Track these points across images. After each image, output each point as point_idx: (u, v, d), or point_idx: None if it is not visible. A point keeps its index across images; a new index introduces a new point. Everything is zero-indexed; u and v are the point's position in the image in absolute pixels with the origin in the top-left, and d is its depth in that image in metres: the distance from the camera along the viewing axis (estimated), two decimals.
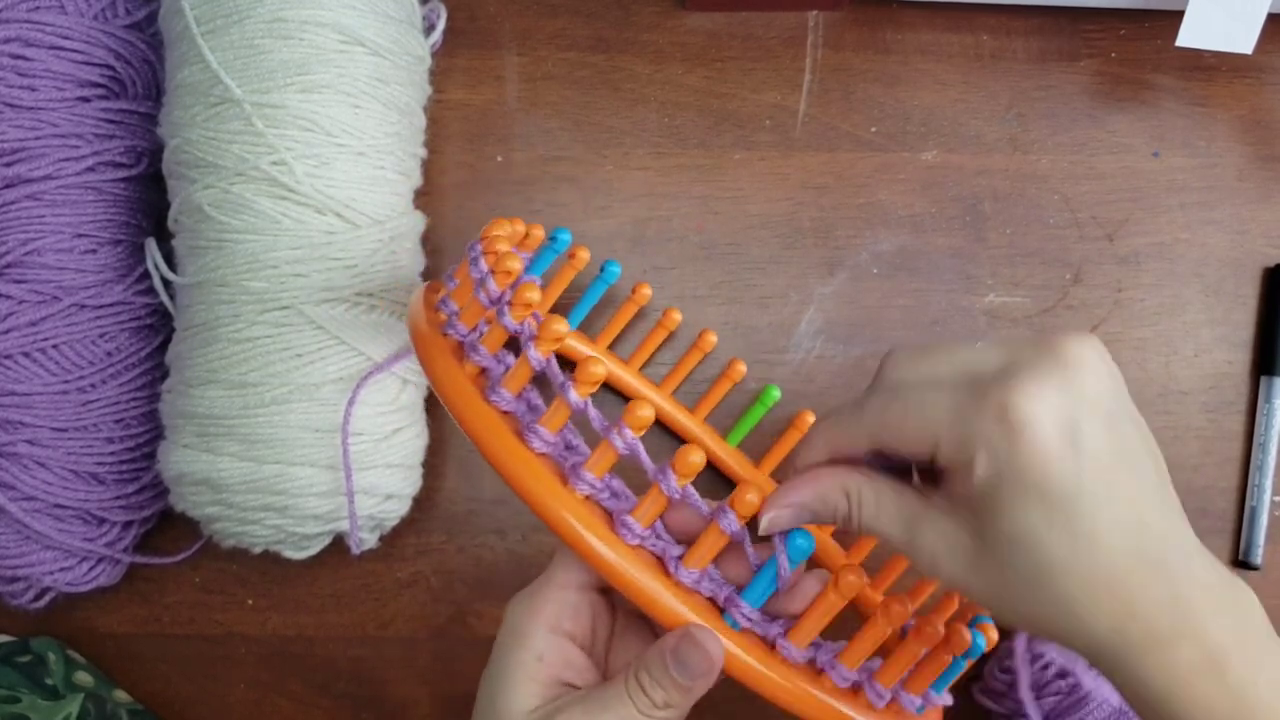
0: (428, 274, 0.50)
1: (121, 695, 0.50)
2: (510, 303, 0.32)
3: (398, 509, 0.47)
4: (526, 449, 0.31)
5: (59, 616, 0.50)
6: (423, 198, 0.50)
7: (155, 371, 0.48)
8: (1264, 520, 0.51)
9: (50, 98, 0.45)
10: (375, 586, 0.51)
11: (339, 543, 0.46)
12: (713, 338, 0.51)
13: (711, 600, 0.32)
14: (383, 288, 0.45)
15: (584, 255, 0.49)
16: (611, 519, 0.31)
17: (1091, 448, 0.28)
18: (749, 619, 0.32)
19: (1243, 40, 0.48)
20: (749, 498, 0.30)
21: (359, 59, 0.44)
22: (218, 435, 0.43)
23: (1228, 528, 0.52)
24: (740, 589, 0.32)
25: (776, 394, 0.50)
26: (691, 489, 0.31)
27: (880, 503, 0.31)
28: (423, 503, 0.49)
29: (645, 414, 0.30)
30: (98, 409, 0.46)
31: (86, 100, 0.46)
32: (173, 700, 0.51)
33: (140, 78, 0.48)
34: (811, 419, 0.50)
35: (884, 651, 0.34)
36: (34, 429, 0.45)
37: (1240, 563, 0.51)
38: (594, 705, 0.31)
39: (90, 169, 0.46)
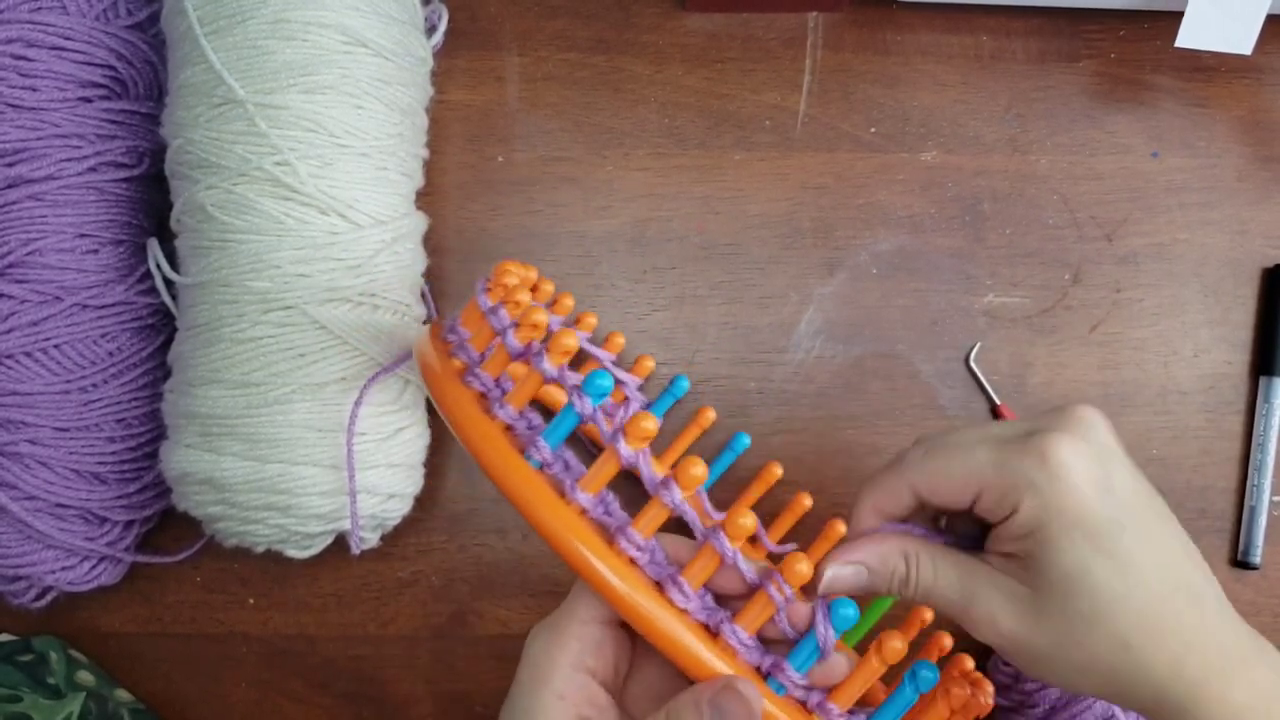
0: (430, 274, 0.50)
1: (123, 694, 0.50)
2: (549, 350, 0.31)
3: (399, 508, 0.47)
4: (569, 508, 0.31)
5: (61, 615, 0.50)
6: (424, 198, 0.50)
7: (157, 371, 0.48)
8: (1263, 520, 0.51)
9: (52, 98, 0.45)
10: (376, 586, 0.51)
11: (340, 542, 0.46)
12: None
13: (754, 666, 0.32)
14: (385, 288, 0.45)
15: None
16: (659, 581, 0.31)
17: (1123, 490, 0.31)
18: (795, 683, 0.31)
19: (1242, 41, 0.48)
20: (800, 568, 0.30)
21: (362, 60, 0.44)
22: (220, 435, 0.43)
23: (1226, 528, 0.52)
24: (783, 655, 0.32)
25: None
26: (741, 553, 0.31)
27: (937, 566, 0.33)
28: (424, 502, 0.49)
29: (698, 472, 0.30)
30: (99, 409, 0.46)
31: (88, 100, 0.47)
32: (174, 699, 0.51)
33: (142, 78, 0.48)
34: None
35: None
36: (36, 428, 0.45)
37: (1239, 563, 0.51)
38: None
39: (92, 169, 0.46)
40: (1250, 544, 0.51)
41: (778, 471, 0.50)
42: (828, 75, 0.54)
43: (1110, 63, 0.54)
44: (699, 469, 0.30)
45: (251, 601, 0.51)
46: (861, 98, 0.54)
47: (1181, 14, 0.48)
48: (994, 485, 0.31)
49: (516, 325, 0.33)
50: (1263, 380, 0.52)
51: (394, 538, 0.49)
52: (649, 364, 0.51)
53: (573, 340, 0.31)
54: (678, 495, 0.30)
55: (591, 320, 0.51)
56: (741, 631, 0.31)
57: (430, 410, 0.49)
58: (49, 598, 0.47)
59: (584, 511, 0.31)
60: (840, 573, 0.33)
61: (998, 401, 0.52)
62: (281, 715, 0.51)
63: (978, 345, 0.52)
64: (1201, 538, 0.52)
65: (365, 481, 0.44)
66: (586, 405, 0.31)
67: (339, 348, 0.44)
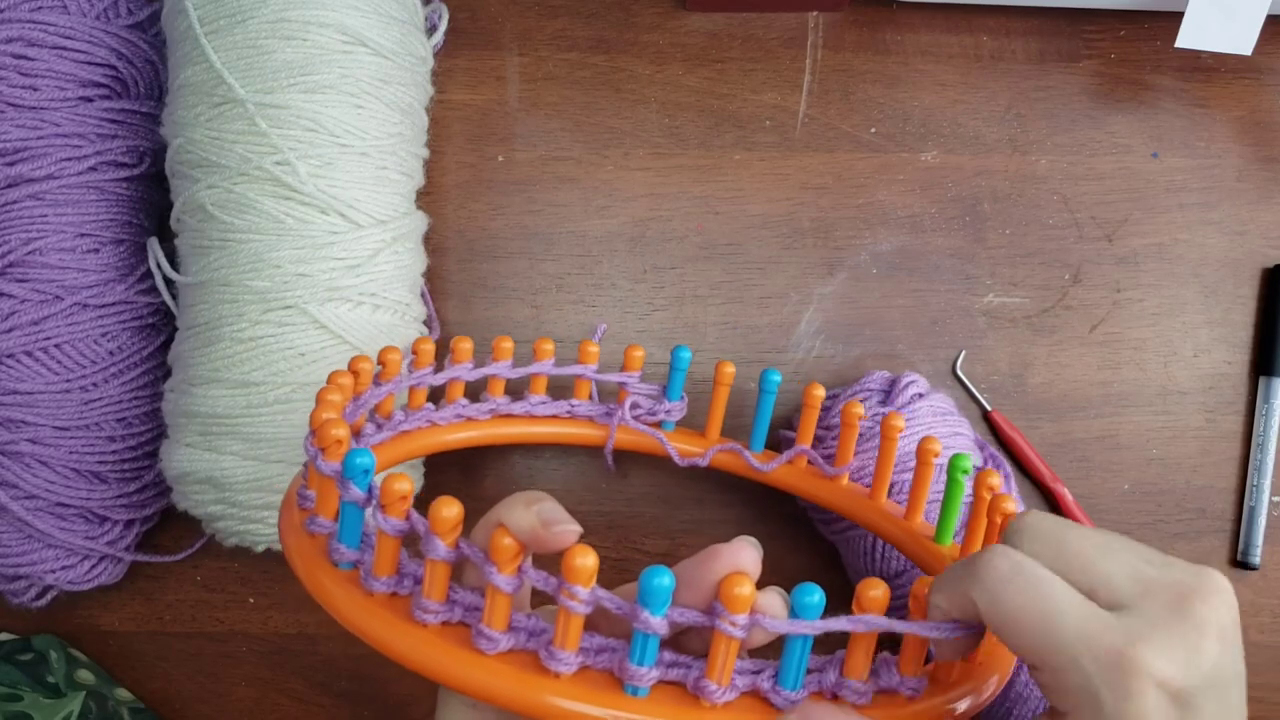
0: (430, 274, 0.50)
1: (123, 693, 0.50)
2: (383, 505, 0.28)
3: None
4: (483, 657, 0.26)
5: (61, 614, 0.50)
6: (424, 197, 0.50)
7: (157, 371, 0.48)
8: (1262, 520, 0.51)
9: (52, 97, 0.45)
10: None
11: None
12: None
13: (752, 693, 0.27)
14: (385, 287, 0.45)
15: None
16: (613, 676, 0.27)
17: (1204, 716, 0.26)
18: (792, 700, 0.27)
19: (1242, 41, 0.48)
20: (740, 592, 0.25)
21: (362, 60, 0.44)
22: (220, 434, 0.43)
23: (1226, 528, 0.52)
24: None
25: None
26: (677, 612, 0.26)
27: None
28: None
29: (587, 563, 0.25)
30: (100, 408, 0.46)
31: (89, 100, 0.47)
32: (174, 698, 0.51)
33: (142, 77, 0.48)
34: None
35: None
36: (36, 428, 0.45)
37: (1239, 563, 0.51)
38: None
39: (92, 168, 0.46)
40: (1250, 544, 0.51)
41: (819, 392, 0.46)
42: (828, 75, 0.54)
43: (1110, 63, 0.54)
44: (587, 559, 0.25)
45: (251, 601, 0.51)
46: (862, 98, 0.54)
47: (1182, 14, 0.48)
48: (1057, 663, 0.26)
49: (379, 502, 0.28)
50: (1262, 380, 0.52)
51: None
52: (639, 354, 0.47)
53: (407, 485, 0.28)
54: (581, 593, 0.25)
55: (548, 347, 0.46)
56: (712, 685, 0.26)
57: None
58: (49, 597, 0.47)
59: (437, 624, 0.27)
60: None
61: (989, 408, 0.52)
62: (281, 714, 0.51)
63: (963, 353, 0.52)
64: (1201, 538, 0.52)
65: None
66: (354, 492, 0.28)
67: (339, 347, 0.44)
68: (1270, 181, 0.53)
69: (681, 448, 0.48)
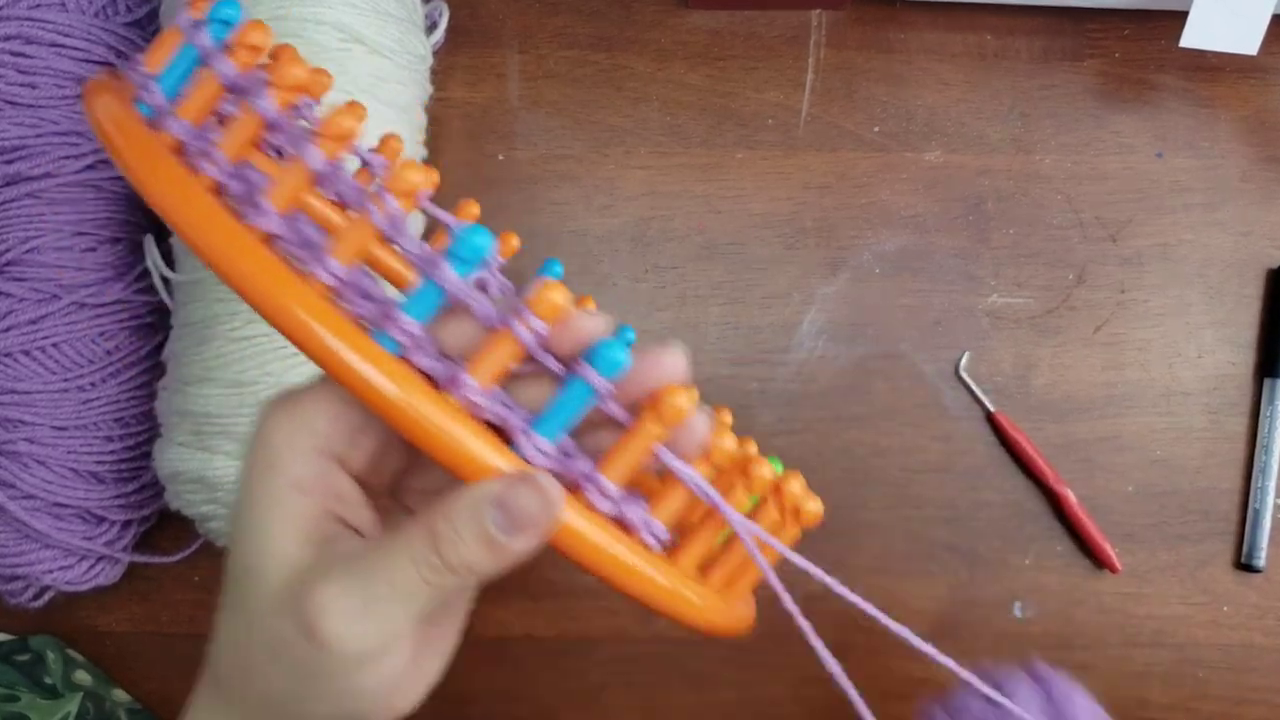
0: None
1: (120, 694, 0.50)
2: (272, 85, 0.23)
3: None
4: (245, 228, 0.22)
5: (58, 615, 0.50)
6: None
7: (155, 370, 0.48)
8: (1266, 522, 0.51)
9: (51, 95, 0.45)
10: None
11: None
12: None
13: (496, 427, 0.23)
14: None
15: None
16: (367, 323, 0.23)
17: None
18: (544, 452, 0.23)
19: (1247, 41, 0.48)
20: (551, 297, 0.22)
21: (359, 57, 0.44)
22: (213, 434, 0.43)
23: (1230, 530, 0.52)
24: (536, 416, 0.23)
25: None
26: (474, 289, 0.23)
27: None
28: None
29: (413, 176, 0.22)
30: (97, 407, 0.46)
31: None
32: (171, 699, 0.51)
33: None
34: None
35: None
36: (33, 427, 0.45)
37: (1243, 565, 0.51)
38: (359, 574, 0.23)
39: (90, 167, 0.46)
40: (1254, 546, 0.51)
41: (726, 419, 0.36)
42: (831, 73, 0.53)
43: (1114, 62, 0.54)
44: (415, 173, 0.22)
45: None
46: (865, 96, 0.53)
47: (1186, 13, 0.48)
48: None
49: (228, 48, 0.24)
50: (1267, 382, 0.52)
51: None
52: (514, 242, 0.35)
53: (299, 70, 0.24)
54: (392, 206, 0.22)
55: (474, 209, 0.34)
56: (472, 384, 0.22)
57: None
58: (46, 597, 0.47)
59: (270, 237, 0.22)
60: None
61: (992, 409, 0.51)
62: None
63: (966, 354, 0.52)
64: (1205, 540, 0.52)
65: None
66: (202, 37, 0.23)
67: None
68: (1275, 182, 0.53)
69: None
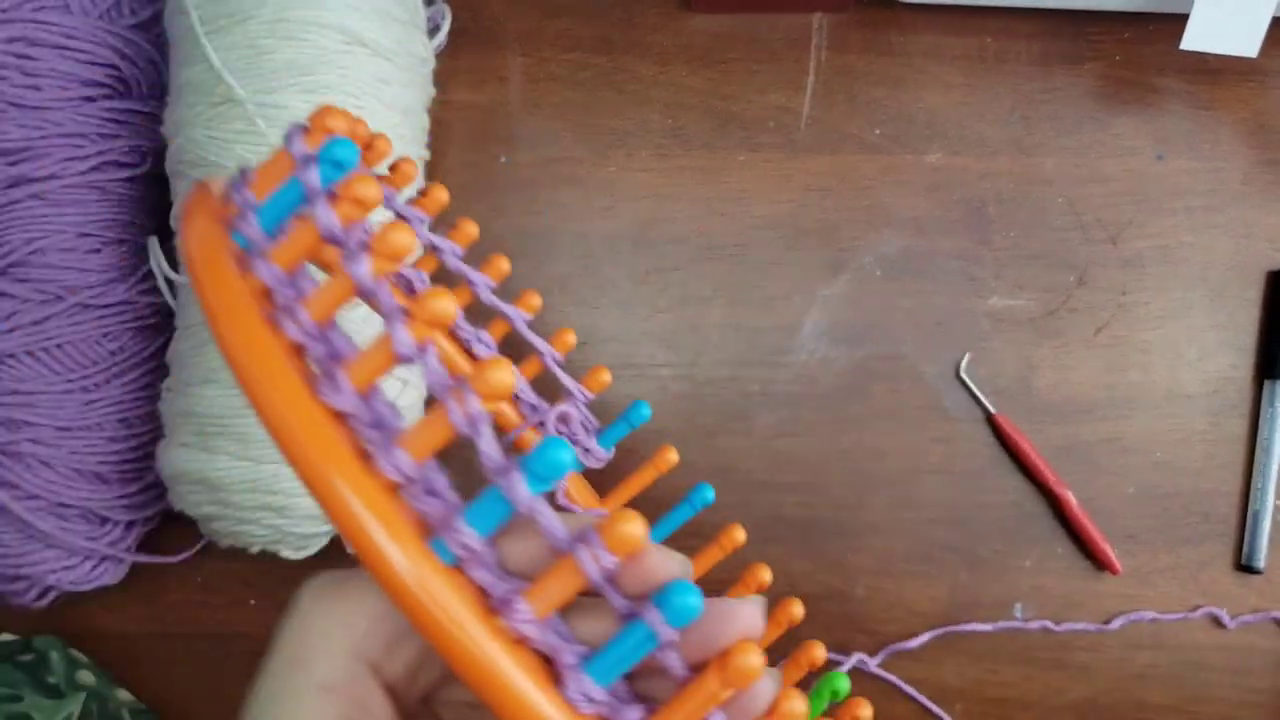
0: (431, 276, 0.50)
1: (123, 694, 0.50)
2: (370, 250, 0.21)
3: None
4: (315, 402, 0.21)
5: (62, 615, 0.50)
6: None
7: (159, 371, 0.48)
8: (1266, 524, 0.51)
9: (55, 97, 0.45)
10: None
11: (341, 542, 0.46)
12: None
13: (546, 659, 0.21)
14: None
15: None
16: (427, 525, 0.21)
17: None
18: (593, 699, 0.21)
19: (1247, 44, 0.48)
20: (627, 530, 0.20)
21: (361, 60, 0.44)
22: (215, 434, 0.43)
23: (1230, 532, 0.52)
24: (592, 653, 0.21)
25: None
26: (546, 505, 0.21)
27: None
28: None
29: (501, 377, 0.20)
30: (101, 408, 0.46)
31: (91, 100, 0.46)
32: (175, 700, 0.51)
33: (145, 77, 0.48)
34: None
35: None
36: (38, 428, 0.45)
37: (1243, 567, 0.51)
38: None
39: (95, 168, 0.46)
40: (1254, 548, 0.51)
41: (739, 537, 0.37)
42: (832, 76, 0.53)
43: (1115, 65, 0.54)
44: (502, 373, 0.20)
45: (253, 602, 0.51)
46: (866, 99, 0.53)
47: (1187, 16, 0.48)
48: None
49: (334, 195, 0.22)
50: (1267, 384, 0.52)
51: None
52: (605, 377, 0.41)
53: (407, 239, 0.22)
54: (474, 406, 0.20)
55: (471, 230, 0.37)
56: (527, 612, 0.21)
57: (428, 412, 0.49)
58: (50, 597, 0.47)
59: (339, 415, 0.21)
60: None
61: (993, 411, 0.51)
62: None
63: (967, 356, 0.52)
64: (1205, 542, 0.52)
65: None
66: (310, 175, 0.22)
67: None
68: (1275, 184, 0.53)
69: (571, 491, 0.40)
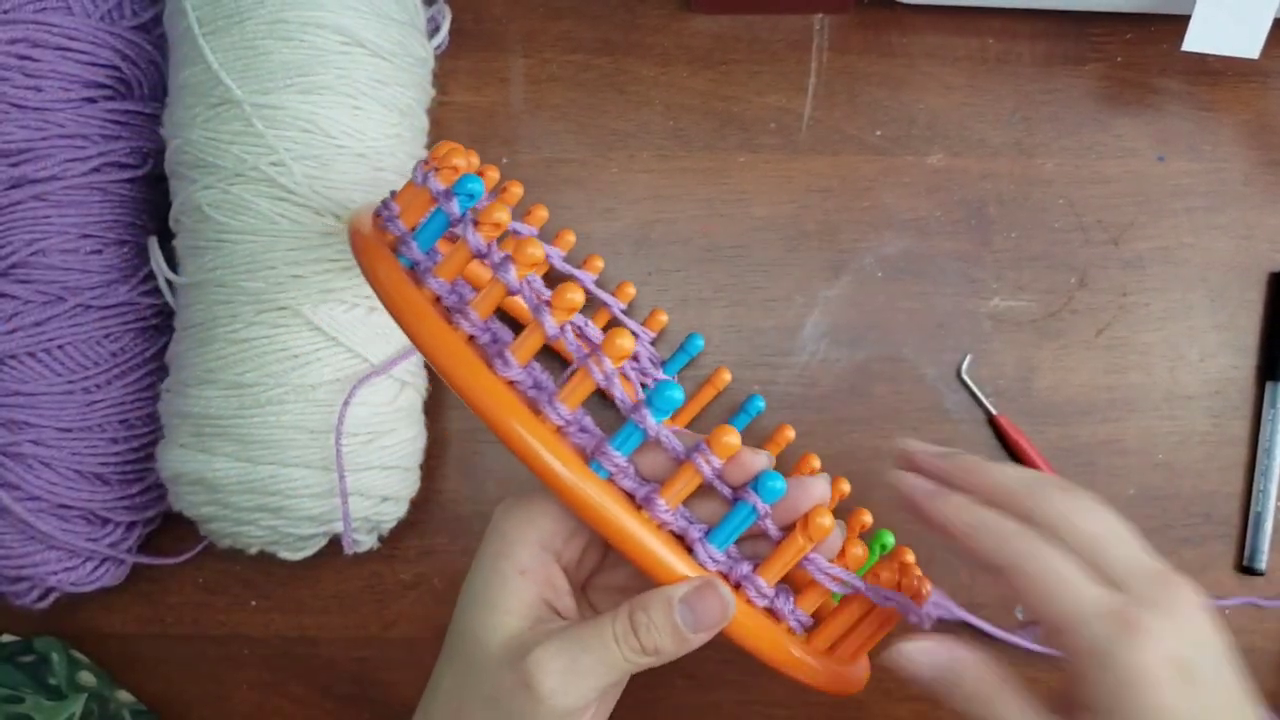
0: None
1: (124, 695, 0.50)
2: (514, 260, 0.30)
3: (395, 511, 0.47)
4: (495, 377, 0.30)
5: (62, 616, 0.50)
6: None
7: (160, 372, 0.48)
8: (1268, 526, 0.51)
9: (56, 98, 0.45)
10: (378, 588, 0.51)
11: (340, 542, 0.46)
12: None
13: (679, 536, 0.31)
14: None
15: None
16: (585, 453, 0.30)
17: (1206, 682, 0.29)
18: (715, 559, 0.31)
19: (1249, 45, 0.48)
20: (727, 440, 0.29)
21: (359, 60, 0.44)
22: (213, 435, 0.43)
23: (1232, 533, 0.52)
24: (711, 528, 0.31)
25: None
26: (667, 429, 0.30)
27: (1005, 702, 0.31)
28: (425, 505, 0.49)
29: (625, 344, 0.28)
30: (102, 409, 0.46)
31: (92, 101, 0.47)
32: (175, 701, 0.51)
33: (146, 79, 0.48)
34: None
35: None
36: (39, 429, 0.45)
37: (1244, 568, 0.51)
38: (571, 644, 0.30)
39: (96, 169, 0.46)
40: (1256, 550, 0.51)
41: (789, 435, 0.50)
42: (833, 77, 0.53)
43: (1116, 66, 0.54)
44: (626, 340, 0.28)
45: (253, 603, 0.51)
46: (867, 100, 0.53)
47: (1188, 17, 0.48)
48: (1077, 632, 0.29)
49: (476, 221, 0.31)
50: (1268, 386, 0.52)
51: (396, 540, 0.49)
52: (662, 318, 0.51)
53: (539, 251, 0.30)
54: (608, 365, 0.29)
55: (543, 213, 0.49)
56: (663, 505, 0.30)
57: (428, 413, 0.49)
58: (51, 598, 0.47)
59: (512, 383, 0.30)
60: (920, 648, 0.32)
61: (994, 412, 0.51)
62: (283, 717, 0.51)
63: (968, 357, 0.52)
64: (1206, 543, 0.52)
65: (358, 484, 0.44)
66: (452, 207, 0.31)
67: (332, 349, 0.43)
68: (1276, 185, 0.53)
69: None
